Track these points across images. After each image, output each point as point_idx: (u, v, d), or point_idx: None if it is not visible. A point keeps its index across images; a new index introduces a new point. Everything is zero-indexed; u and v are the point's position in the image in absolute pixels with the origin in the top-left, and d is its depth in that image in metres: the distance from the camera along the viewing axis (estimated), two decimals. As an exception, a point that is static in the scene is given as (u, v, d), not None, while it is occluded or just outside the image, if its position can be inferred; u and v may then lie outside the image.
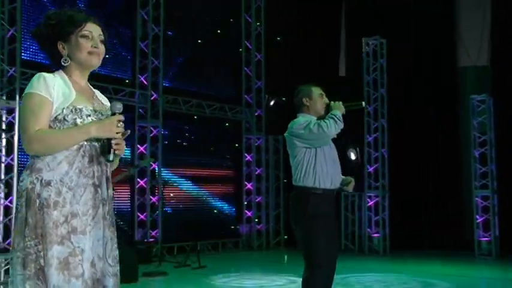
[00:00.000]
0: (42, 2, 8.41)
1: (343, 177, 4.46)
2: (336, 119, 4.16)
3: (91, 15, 2.68)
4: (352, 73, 10.73)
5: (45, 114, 2.45)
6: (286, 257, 10.47)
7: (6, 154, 7.57)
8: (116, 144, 2.52)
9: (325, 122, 4.15)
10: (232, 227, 11.12)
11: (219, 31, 10.93)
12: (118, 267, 2.61)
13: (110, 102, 2.71)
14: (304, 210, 4.19)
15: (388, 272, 8.38)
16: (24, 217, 2.42)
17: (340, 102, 4.30)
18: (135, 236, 9.24)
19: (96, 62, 2.62)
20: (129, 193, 9.39)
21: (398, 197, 10.34)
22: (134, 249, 7.92)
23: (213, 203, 10.87)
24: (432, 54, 10.75)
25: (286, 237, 11.42)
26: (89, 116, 2.53)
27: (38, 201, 2.42)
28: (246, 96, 11.25)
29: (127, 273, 6.78)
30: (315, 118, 4.32)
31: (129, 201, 9.40)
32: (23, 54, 7.90)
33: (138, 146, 9.38)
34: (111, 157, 2.51)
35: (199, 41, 10.52)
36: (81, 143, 2.50)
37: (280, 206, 11.41)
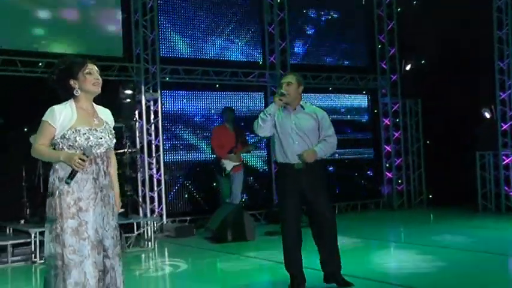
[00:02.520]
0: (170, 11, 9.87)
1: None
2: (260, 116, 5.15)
3: (87, 57, 3.86)
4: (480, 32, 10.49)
5: (46, 136, 3.68)
6: (431, 215, 10.79)
7: (154, 137, 9.29)
8: None
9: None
10: (373, 189, 11.80)
11: (348, 3, 11.49)
12: (116, 232, 3.80)
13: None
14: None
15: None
16: (50, 202, 3.71)
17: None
18: (273, 201, 10.48)
19: (98, 89, 3.78)
20: (266, 161, 10.65)
21: (537, 154, 10.05)
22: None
23: (353, 166, 11.62)
24: None
25: (430, 196, 11.76)
26: (85, 134, 3.69)
27: (57, 191, 3.68)
28: (380, 63, 11.70)
29: (246, 232, 8.08)
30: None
31: (267, 169, 10.65)
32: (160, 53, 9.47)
33: (272, 120, 10.52)
34: (68, 181, 3.58)
35: (325, 17, 11.20)
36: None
37: (422, 166, 11.75)
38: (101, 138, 3.77)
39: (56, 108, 3.73)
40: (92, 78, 3.76)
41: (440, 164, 11.17)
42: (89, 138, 3.71)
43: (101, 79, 3.81)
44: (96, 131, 3.76)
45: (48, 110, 3.74)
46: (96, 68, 3.82)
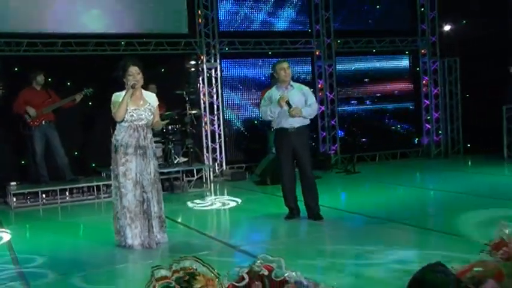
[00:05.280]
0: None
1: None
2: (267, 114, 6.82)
3: (131, 60, 5.83)
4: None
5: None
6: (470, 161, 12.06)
7: (215, 98, 11.33)
8: None
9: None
10: (413, 139, 13.25)
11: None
12: (152, 176, 5.83)
13: None
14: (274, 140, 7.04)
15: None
16: (113, 156, 5.83)
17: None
18: (319, 149, 12.25)
19: (135, 87, 5.77)
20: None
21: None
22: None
23: (395, 118, 13.10)
24: None
25: (469, 145, 13.00)
26: (130, 112, 5.72)
27: (115, 148, 5.80)
28: (421, 25, 12.92)
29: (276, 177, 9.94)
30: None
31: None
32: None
33: (319, 80, 12.22)
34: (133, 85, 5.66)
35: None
36: (129, 124, 5.74)
37: (459, 119, 12.98)
38: (141, 115, 5.81)
39: (117, 93, 5.80)
40: (131, 78, 5.77)
41: (477, 116, 12.35)
42: (133, 115, 5.77)
43: (139, 77, 5.78)
44: (139, 110, 5.79)
45: (113, 95, 5.82)
46: (137, 68, 5.80)
